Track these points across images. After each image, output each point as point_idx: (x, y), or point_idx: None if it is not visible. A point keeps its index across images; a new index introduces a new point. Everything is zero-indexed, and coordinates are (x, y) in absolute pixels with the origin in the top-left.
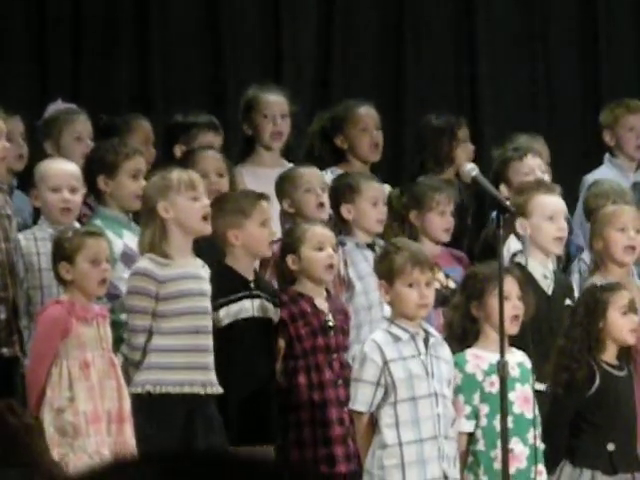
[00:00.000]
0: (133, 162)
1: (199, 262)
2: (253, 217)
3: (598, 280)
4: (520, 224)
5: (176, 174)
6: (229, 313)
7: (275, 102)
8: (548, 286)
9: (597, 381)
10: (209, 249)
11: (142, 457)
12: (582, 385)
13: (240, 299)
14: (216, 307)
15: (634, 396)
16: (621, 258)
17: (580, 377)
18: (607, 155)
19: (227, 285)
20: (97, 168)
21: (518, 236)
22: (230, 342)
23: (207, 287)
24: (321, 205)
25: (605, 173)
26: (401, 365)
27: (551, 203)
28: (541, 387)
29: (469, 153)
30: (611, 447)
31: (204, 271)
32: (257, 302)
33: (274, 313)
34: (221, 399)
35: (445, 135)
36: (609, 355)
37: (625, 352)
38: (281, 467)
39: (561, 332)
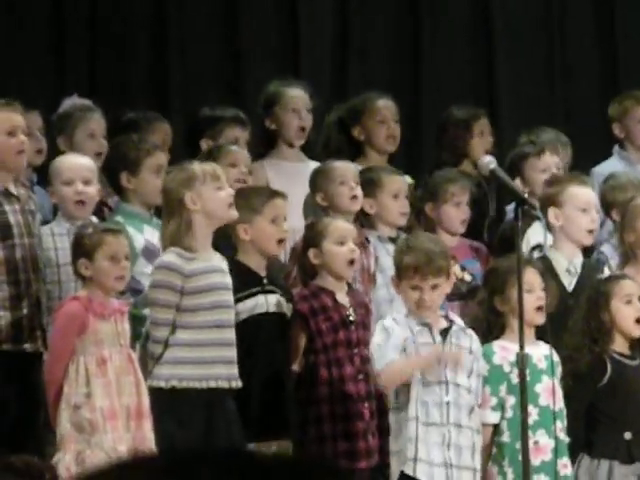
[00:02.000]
0: (155, 158)
1: (218, 255)
2: (264, 214)
3: (630, 272)
4: (553, 214)
5: (198, 166)
6: (244, 309)
7: (300, 97)
8: (570, 282)
9: (609, 371)
10: (224, 245)
11: (195, 456)
12: (590, 376)
13: (254, 294)
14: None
15: None
16: None
17: (585, 368)
18: (616, 147)
19: (240, 281)
20: (119, 165)
21: (549, 227)
22: (246, 337)
23: (230, 280)
24: (354, 197)
25: (614, 165)
26: (412, 348)
27: (584, 195)
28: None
29: (487, 146)
30: (628, 436)
31: (224, 264)
32: (271, 297)
33: (287, 308)
34: (239, 395)
35: (461, 127)
36: (620, 345)
37: (637, 343)
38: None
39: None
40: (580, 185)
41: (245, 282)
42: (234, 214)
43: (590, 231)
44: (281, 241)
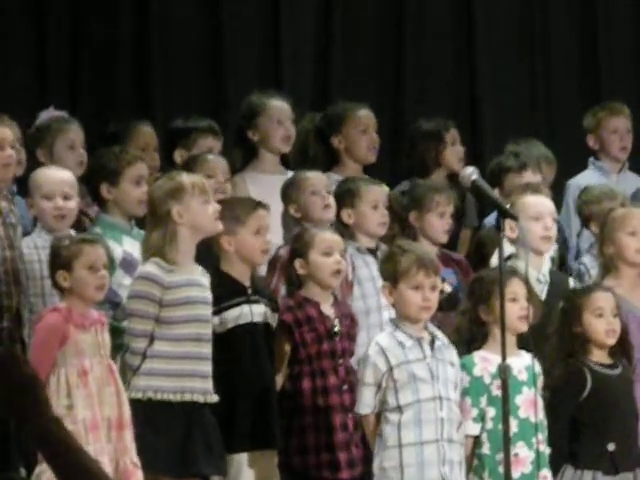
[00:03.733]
0: (135, 168)
1: (200, 269)
2: (248, 225)
3: (611, 284)
4: (509, 226)
5: (187, 178)
6: (228, 318)
7: (284, 107)
8: (541, 290)
9: (589, 383)
10: (206, 255)
11: None
12: (569, 389)
13: (239, 304)
14: (215, 312)
15: (632, 392)
16: (634, 260)
17: (563, 381)
18: (591, 159)
19: (225, 291)
20: (99, 176)
21: (508, 239)
22: (230, 348)
23: (209, 295)
24: (327, 207)
25: (589, 176)
26: (405, 369)
27: (535, 203)
28: None
29: (459, 155)
30: (611, 447)
31: (205, 279)
32: (256, 307)
33: (273, 318)
34: (224, 405)
35: (432, 139)
36: (598, 355)
37: (618, 349)
38: None
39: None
40: (532, 194)
41: (229, 292)
42: (220, 228)
43: (545, 238)
44: (265, 252)
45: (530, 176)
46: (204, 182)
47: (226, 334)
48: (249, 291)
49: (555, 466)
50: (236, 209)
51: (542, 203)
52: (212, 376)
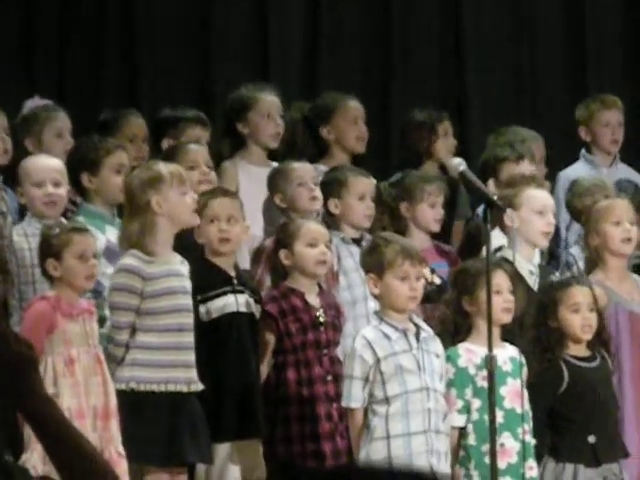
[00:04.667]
0: (115, 157)
1: (179, 258)
2: (204, 215)
3: (599, 277)
4: (509, 216)
5: (165, 168)
6: (214, 308)
7: (275, 102)
8: (534, 282)
9: (566, 377)
10: (188, 244)
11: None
12: (546, 383)
13: (224, 293)
14: (201, 301)
15: (611, 384)
16: (620, 250)
17: (539, 376)
18: (583, 151)
19: (211, 280)
20: (80, 166)
21: (503, 229)
22: (216, 337)
23: (189, 284)
24: (314, 198)
25: (580, 169)
26: (392, 361)
27: (541, 197)
28: None
29: (450, 147)
30: (592, 439)
31: (184, 267)
32: (241, 297)
33: (256, 309)
34: (210, 394)
35: (425, 129)
36: (575, 349)
37: (597, 341)
38: None
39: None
40: (537, 188)
41: (215, 281)
42: (197, 221)
43: (546, 233)
44: (224, 240)
45: (526, 166)
46: (182, 172)
47: (211, 323)
48: (234, 281)
49: (535, 460)
50: (199, 202)
51: (547, 198)
52: (197, 365)
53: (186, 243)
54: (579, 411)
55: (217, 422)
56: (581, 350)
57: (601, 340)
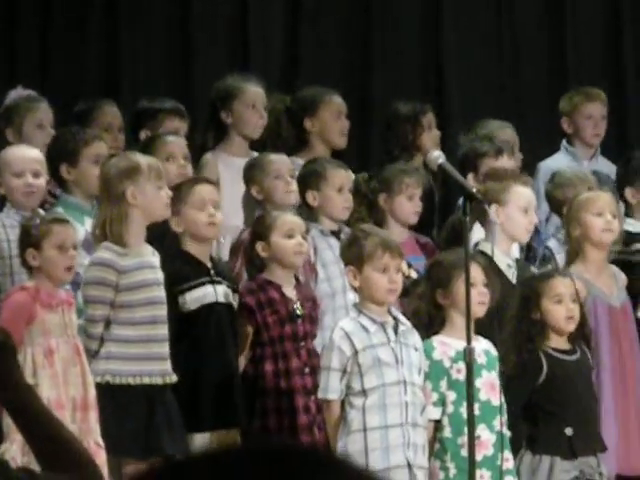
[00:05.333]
0: (93, 148)
1: (150, 249)
2: (189, 201)
3: (578, 269)
4: (494, 211)
5: (144, 160)
6: (193, 298)
7: (260, 93)
8: (512, 275)
9: (544, 368)
10: (159, 235)
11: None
12: (525, 374)
13: (203, 284)
14: (180, 292)
15: (591, 377)
16: (600, 239)
17: (519, 367)
18: (564, 142)
19: (189, 270)
20: (58, 157)
21: (482, 222)
22: (195, 328)
23: (161, 276)
24: (290, 192)
25: (560, 160)
26: (370, 353)
27: (527, 195)
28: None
29: (435, 139)
30: (569, 432)
31: (155, 259)
32: (219, 288)
33: (234, 299)
34: (189, 384)
35: (410, 122)
36: (556, 341)
37: (577, 334)
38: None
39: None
40: (523, 185)
41: (193, 272)
42: (168, 213)
43: (529, 230)
44: (212, 224)
45: (505, 161)
46: (160, 166)
47: (191, 314)
48: (212, 272)
49: (512, 451)
50: (179, 190)
51: (531, 195)
52: (176, 355)
53: (156, 234)
54: (557, 403)
55: (196, 412)
56: (562, 343)
57: (582, 334)
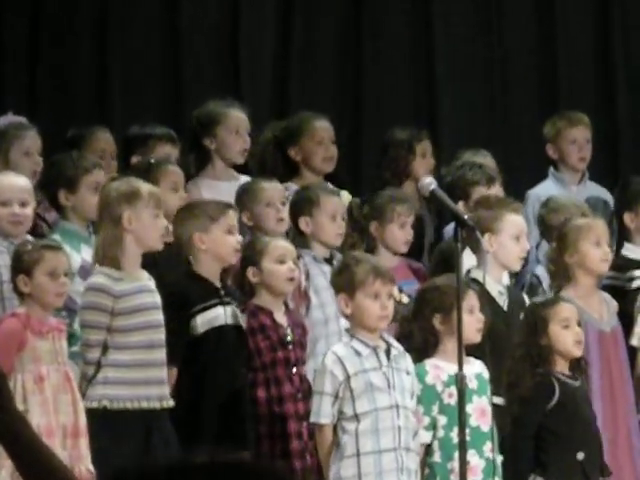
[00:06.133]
0: (93, 176)
1: (146, 274)
2: (220, 223)
3: (569, 294)
4: (488, 239)
5: (145, 187)
6: (204, 321)
7: (243, 118)
8: (504, 302)
9: (557, 393)
10: (167, 258)
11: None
12: (537, 399)
13: (214, 306)
14: (192, 315)
15: (591, 403)
16: (599, 269)
17: (531, 392)
18: (551, 169)
19: (199, 292)
20: (57, 183)
21: (474, 249)
22: (206, 350)
23: (159, 300)
24: (281, 220)
25: (549, 187)
26: (362, 378)
27: (519, 222)
28: (499, 401)
29: (429, 167)
30: (580, 456)
31: (152, 283)
32: (229, 309)
33: (243, 319)
34: (195, 407)
35: (404, 148)
36: (562, 367)
37: (576, 364)
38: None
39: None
40: (515, 213)
41: (204, 294)
42: (161, 246)
43: (522, 258)
44: (237, 251)
45: (497, 189)
46: (160, 195)
47: (201, 337)
48: (222, 292)
49: (523, 478)
50: (209, 208)
51: (523, 223)
52: (187, 378)
53: (158, 258)
54: (568, 427)
55: (203, 436)
56: (566, 368)
57: (579, 363)
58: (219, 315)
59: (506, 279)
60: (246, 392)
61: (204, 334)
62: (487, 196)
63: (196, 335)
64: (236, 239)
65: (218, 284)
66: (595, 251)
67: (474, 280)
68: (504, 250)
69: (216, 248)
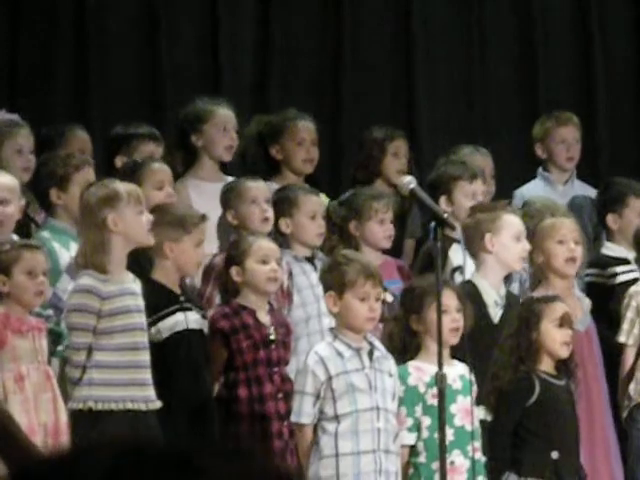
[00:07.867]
0: (83, 173)
1: (131, 276)
2: (192, 236)
3: (540, 294)
4: (488, 241)
5: (122, 186)
6: (165, 327)
7: (230, 116)
8: (496, 314)
9: (537, 390)
10: (133, 263)
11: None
12: (518, 395)
13: (173, 312)
14: (152, 323)
15: (575, 404)
16: (563, 270)
17: (512, 386)
18: (540, 169)
19: (159, 299)
20: (48, 181)
21: (474, 254)
22: (168, 356)
23: (142, 303)
24: (265, 219)
25: (536, 187)
26: (344, 379)
27: (517, 223)
28: (488, 417)
29: (401, 167)
30: (555, 455)
31: (137, 286)
32: (189, 314)
33: (204, 325)
34: (164, 413)
35: (376, 147)
36: (547, 365)
37: (563, 364)
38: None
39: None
40: (512, 213)
41: (164, 301)
42: (151, 240)
43: (523, 258)
44: (200, 264)
45: (479, 186)
46: (139, 191)
47: (163, 343)
48: (181, 298)
49: (497, 474)
50: (184, 219)
51: (521, 223)
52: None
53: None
54: (545, 426)
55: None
56: (551, 367)
57: (566, 364)
58: (179, 321)
59: (503, 288)
60: (212, 396)
61: (166, 340)
62: (483, 203)
63: (159, 341)
64: (203, 253)
65: (178, 291)
66: (559, 250)
67: (469, 283)
68: (505, 250)
69: (183, 259)
